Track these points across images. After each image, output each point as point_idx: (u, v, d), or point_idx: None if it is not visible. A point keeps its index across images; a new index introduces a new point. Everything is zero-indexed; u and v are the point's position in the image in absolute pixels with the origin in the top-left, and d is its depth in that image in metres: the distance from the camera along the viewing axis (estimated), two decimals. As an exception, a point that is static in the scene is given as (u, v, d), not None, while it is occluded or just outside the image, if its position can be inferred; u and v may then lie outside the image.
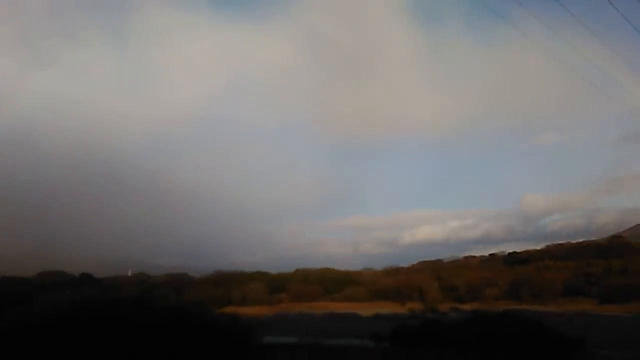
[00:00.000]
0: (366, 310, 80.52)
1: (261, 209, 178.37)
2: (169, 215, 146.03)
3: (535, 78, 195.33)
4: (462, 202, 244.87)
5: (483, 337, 23.59)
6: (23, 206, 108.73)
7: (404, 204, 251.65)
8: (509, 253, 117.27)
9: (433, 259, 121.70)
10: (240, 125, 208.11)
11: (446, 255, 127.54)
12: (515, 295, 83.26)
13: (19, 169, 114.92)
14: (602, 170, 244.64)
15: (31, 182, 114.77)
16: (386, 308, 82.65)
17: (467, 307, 78.71)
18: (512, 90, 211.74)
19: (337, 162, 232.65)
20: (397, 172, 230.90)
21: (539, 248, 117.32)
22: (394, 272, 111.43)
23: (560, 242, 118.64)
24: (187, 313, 24.26)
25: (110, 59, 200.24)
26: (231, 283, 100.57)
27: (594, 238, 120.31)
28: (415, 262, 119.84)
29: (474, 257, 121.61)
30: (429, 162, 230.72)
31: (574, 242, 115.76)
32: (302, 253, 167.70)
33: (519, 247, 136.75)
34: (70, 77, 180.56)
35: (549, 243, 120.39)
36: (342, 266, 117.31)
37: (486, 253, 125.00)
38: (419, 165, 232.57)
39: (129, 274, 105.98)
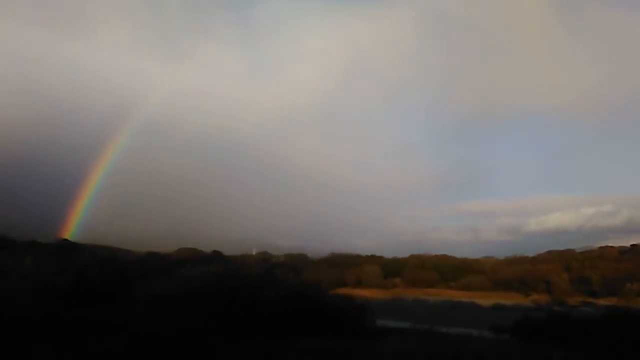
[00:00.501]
0: (485, 299, 77.49)
1: (377, 193, 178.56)
2: (289, 199, 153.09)
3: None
4: (599, 185, 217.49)
5: (621, 337, 21.22)
6: (162, 190, 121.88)
7: (532, 188, 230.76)
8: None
9: (563, 248, 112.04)
10: (360, 108, 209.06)
11: (578, 245, 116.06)
12: (663, 293, 73.87)
13: (158, 157, 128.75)
14: None
15: (169, 168, 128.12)
16: (507, 299, 78.67)
17: (602, 302, 71.81)
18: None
19: (459, 144, 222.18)
20: (524, 153, 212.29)
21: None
22: (517, 261, 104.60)
23: None
24: (306, 292, 25.60)
25: (236, 50, 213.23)
26: (346, 265, 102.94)
27: None
28: (542, 252, 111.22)
29: (612, 247, 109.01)
30: (560, 141, 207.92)
31: None
32: (418, 238, 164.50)
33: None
34: (202, 69, 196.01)
35: None
36: (460, 253, 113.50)
37: (627, 243, 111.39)
38: (549, 146, 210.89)
39: (254, 252, 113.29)
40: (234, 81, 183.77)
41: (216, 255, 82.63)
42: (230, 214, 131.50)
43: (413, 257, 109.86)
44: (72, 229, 79.99)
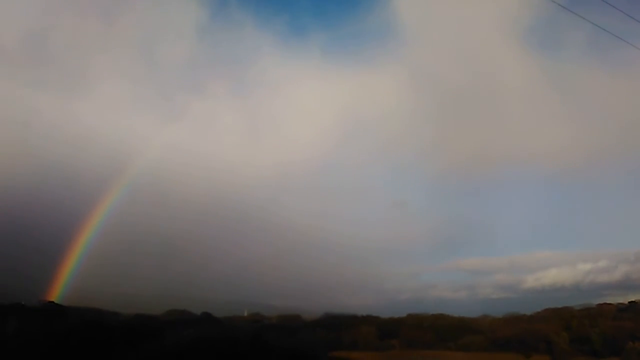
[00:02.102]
0: (485, 361, 75.05)
1: (372, 251, 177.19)
2: (283, 258, 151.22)
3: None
4: (595, 241, 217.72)
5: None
6: (153, 250, 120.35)
7: (527, 244, 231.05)
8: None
9: (560, 306, 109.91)
10: (352, 166, 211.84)
11: (576, 302, 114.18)
12: (666, 351, 72.03)
13: (150, 218, 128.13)
14: None
15: (160, 228, 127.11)
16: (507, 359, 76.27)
17: (604, 362, 69.77)
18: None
19: (452, 201, 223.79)
20: (519, 210, 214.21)
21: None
22: (515, 319, 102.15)
23: None
24: (300, 355, 24.69)
25: (232, 110, 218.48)
26: (342, 326, 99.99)
27: None
28: (539, 310, 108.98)
29: (610, 304, 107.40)
30: (554, 198, 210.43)
31: None
32: (414, 297, 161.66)
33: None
34: (198, 128, 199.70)
35: None
36: (457, 312, 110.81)
37: (625, 300, 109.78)
38: (543, 202, 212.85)
39: (245, 314, 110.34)
40: (229, 140, 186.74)
41: (206, 317, 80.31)
42: (222, 275, 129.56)
43: (410, 317, 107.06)
44: (59, 290, 77.95)
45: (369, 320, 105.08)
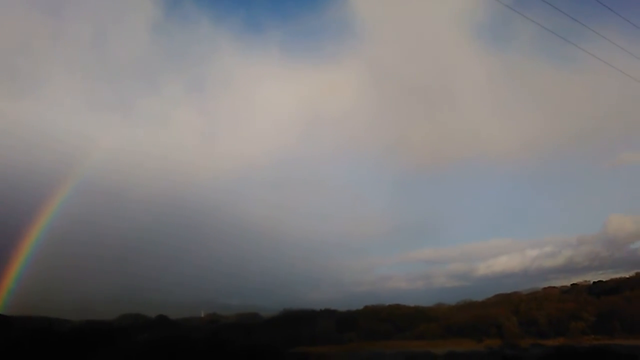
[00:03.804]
0: (440, 348, 77.30)
1: (331, 244, 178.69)
2: (240, 255, 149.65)
3: (611, 96, 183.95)
4: (541, 229, 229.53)
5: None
6: (105, 253, 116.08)
7: (479, 233, 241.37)
8: (594, 282, 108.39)
9: (509, 291, 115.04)
10: (312, 162, 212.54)
11: (524, 287, 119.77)
12: (605, 329, 76.70)
13: (102, 220, 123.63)
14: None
15: (113, 231, 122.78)
16: (462, 345, 78.90)
17: (550, 342, 73.44)
18: (588, 110, 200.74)
19: (408, 194, 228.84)
20: (471, 200, 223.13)
21: (628, 276, 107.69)
22: (468, 306, 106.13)
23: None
24: (257, 354, 24.61)
25: (188, 108, 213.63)
26: (300, 321, 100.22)
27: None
28: (491, 296, 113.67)
29: (555, 287, 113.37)
30: (504, 188, 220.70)
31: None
32: (371, 289, 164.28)
33: (605, 276, 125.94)
34: (153, 127, 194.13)
35: (639, 270, 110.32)
36: (413, 302, 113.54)
37: (568, 283, 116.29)
38: (493, 193, 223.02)
39: (202, 314, 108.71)
40: (189, 138, 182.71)
41: (161, 320, 78.50)
42: (178, 276, 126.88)
43: (367, 309, 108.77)
44: (2, 299, 73.99)
45: (327, 314, 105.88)
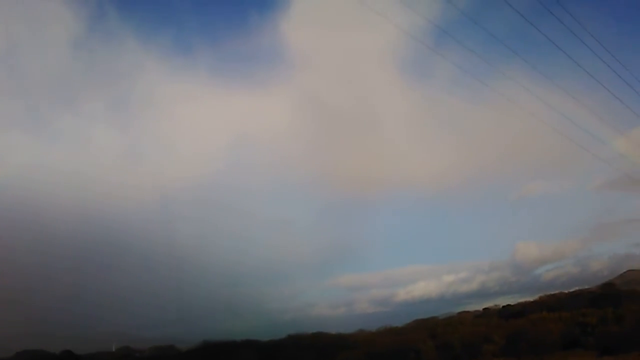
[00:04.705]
0: (361, 374, 77.54)
1: (255, 271, 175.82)
2: (157, 284, 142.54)
3: (516, 131, 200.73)
4: (457, 255, 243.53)
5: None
6: (5, 284, 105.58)
7: (399, 260, 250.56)
8: (504, 306, 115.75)
9: (427, 316, 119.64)
10: (237, 185, 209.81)
11: (441, 312, 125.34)
12: (513, 351, 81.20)
13: (1, 247, 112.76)
14: (591, 217, 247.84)
15: (17, 257, 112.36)
16: (382, 371, 79.73)
17: (464, 365, 76.32)
18: (496, 143, 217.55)
19: (333, 219, 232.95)
20: (392, 228, 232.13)
21: (532, 300, 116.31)
22: (388, 332, 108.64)
23: (554, 292, 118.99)
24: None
25: (110, 128, 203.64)
26: (220, 353, 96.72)
27: (586, 286, 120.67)
28: (410, 321, 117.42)
29: (468, 312, 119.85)
30: (422, 217, 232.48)
31: (566, 291, 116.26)
32: (295, 316, 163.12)
33: (513, 300, 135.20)
34: (70, 146, 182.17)
35: (542, 294, 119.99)
36: (335, 328, 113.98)
37: (480, 307, 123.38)
38: (413, 221, 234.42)
39: (113, 348, 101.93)
40: (108, 156, 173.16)
41: (66, 356, 72.40)
42: (88, 307, 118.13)
43: (290, 338, 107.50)
44: None
45: (248, 345, 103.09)
